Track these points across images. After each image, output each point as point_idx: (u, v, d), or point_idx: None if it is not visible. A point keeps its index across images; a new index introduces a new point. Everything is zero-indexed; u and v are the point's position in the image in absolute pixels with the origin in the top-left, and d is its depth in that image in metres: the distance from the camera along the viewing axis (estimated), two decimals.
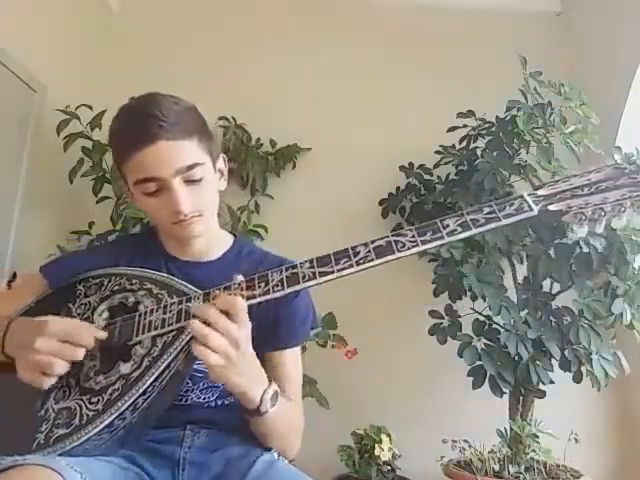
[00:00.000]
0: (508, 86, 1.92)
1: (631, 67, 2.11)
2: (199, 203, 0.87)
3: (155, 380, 0.73)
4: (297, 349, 0.96)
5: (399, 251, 0.73)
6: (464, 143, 2.11)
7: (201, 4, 2.64)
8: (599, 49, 2.36)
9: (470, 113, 2.04)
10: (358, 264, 0.74)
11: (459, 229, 0.72)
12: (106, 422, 0.71)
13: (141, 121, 0.83)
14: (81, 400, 0.75)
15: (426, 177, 2.28)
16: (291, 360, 0.93)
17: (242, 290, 0.76)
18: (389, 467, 1.84)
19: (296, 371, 0.95)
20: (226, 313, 0.72)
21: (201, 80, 2.34)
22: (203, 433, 0.89)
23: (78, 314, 0.86)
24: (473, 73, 2.42)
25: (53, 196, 2.15)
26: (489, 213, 0.73)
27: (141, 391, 0.72)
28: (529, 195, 0.74)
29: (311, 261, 0.76)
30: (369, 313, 2.23)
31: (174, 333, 0.77)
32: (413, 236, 0.73)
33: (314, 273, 0.74)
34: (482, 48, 2.49)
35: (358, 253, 0.74)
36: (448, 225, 0.73)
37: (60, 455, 0.70)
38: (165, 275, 0.87)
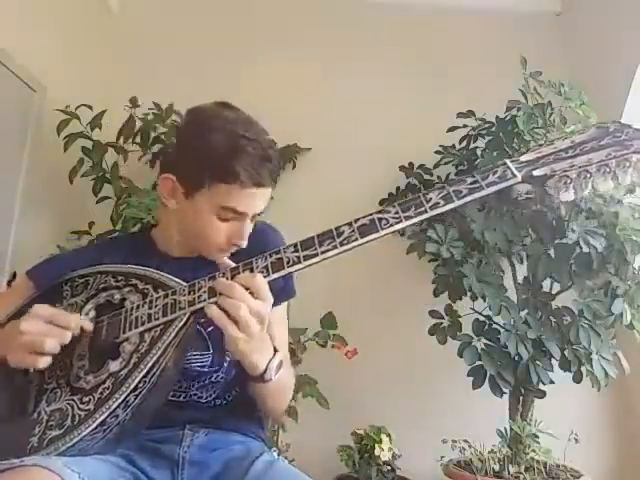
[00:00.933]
0: (508, 86, 1.92)
1: (631, 67, 2.11)
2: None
3: (145, 376, 0.73)
4: (282, 308, 0.98)
5: (383, 228, 0.72)
6: (464, 143, 2.11)
7: (201, 4, 2.64)
8: (599, 49, 2.36)
9: (470, 113, 2.04)
10: (342, 244, 0.72)
11: (442, 202, 0.71)
12: (98, 421, 0.71)
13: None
14: (72, 400, 0.74)
15: (426, 177, 2.27)
16: (276, 319, 0.93)
17: (227, 279, 0.75)
18: (389, 467, 1.84)
19: (282, 331, 0.98)
20: (249, 291, 0.73)
21: (201, 80, 2.34)
22: (202, 432, 0.89)
23: None
24: (473, 73, 2.42)
25: (53, 196, 2.15)
26: (472, 183, 0.72)
27: (131, 387, 0.72)
28: (512, 162, 0.72)
29: (295, 245, 0.75)
30: (369, 313, 2.23)
31: (161, 327, 0.76)
32: (397, 212, 0.72)
33: (298, 257, 0.74)
34: (482, 48, 2.49)
35: (342, 233, 0.73)
36: (431, 199, 0.72)
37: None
38: (151, 270, 0.86)
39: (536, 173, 0.70)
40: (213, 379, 0.90)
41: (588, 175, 0.67)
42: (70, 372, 0.78)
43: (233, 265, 0.78)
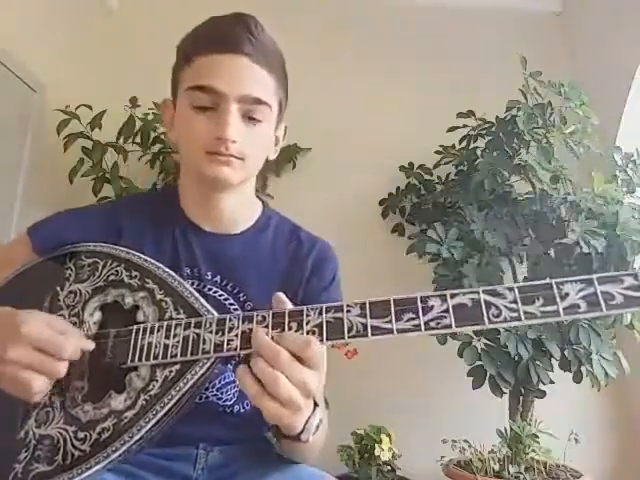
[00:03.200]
0: (508, 86, 1.92)
1: (631, 67, 2.11)
2: (246, 144, 0.74)
3: (153, 426, 0.62)
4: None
5: (491, 322, 0.54)
6: (464, 143, 2.11)
7: (201, 4, 2.63)
8: (599, 49, 2.36)
9: (470, 113, 2.04)
10: (427, 327, 0.55)
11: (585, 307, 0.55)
12: (93, 470, 0.61)
13: (231, 26, 0.74)
14: (65, 431, 0.64)
15: (426, 177, 2.28)
16: None
17: (267, 327, 0.60)
18: (389, 467, 1.84)
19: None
20: (296, 356, 0.57)
21: None
22: (217, 450, 0.82)
23: (67, 306, 0.73)
24: (473, 73, 2.42)
25: (53, 196, 2.15)
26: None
27: (135, 439, 0.61)
28: None
29: (362, 306, 0.58)
30: None
31: (177, 368, 0.63)
32: (514, 300, 0.55)
33: (365, 326, 0.57)
34: (482, 48, 2.49)
35: (431, 308, 0.57)
36: (568, 294, 0.55)
37: None
38: (173, 275, 0.72)
39: None
40: (229, 379, 0.83)
41: None
42: (66, 392, 0.67)
43: (285, 301, 0.62)
